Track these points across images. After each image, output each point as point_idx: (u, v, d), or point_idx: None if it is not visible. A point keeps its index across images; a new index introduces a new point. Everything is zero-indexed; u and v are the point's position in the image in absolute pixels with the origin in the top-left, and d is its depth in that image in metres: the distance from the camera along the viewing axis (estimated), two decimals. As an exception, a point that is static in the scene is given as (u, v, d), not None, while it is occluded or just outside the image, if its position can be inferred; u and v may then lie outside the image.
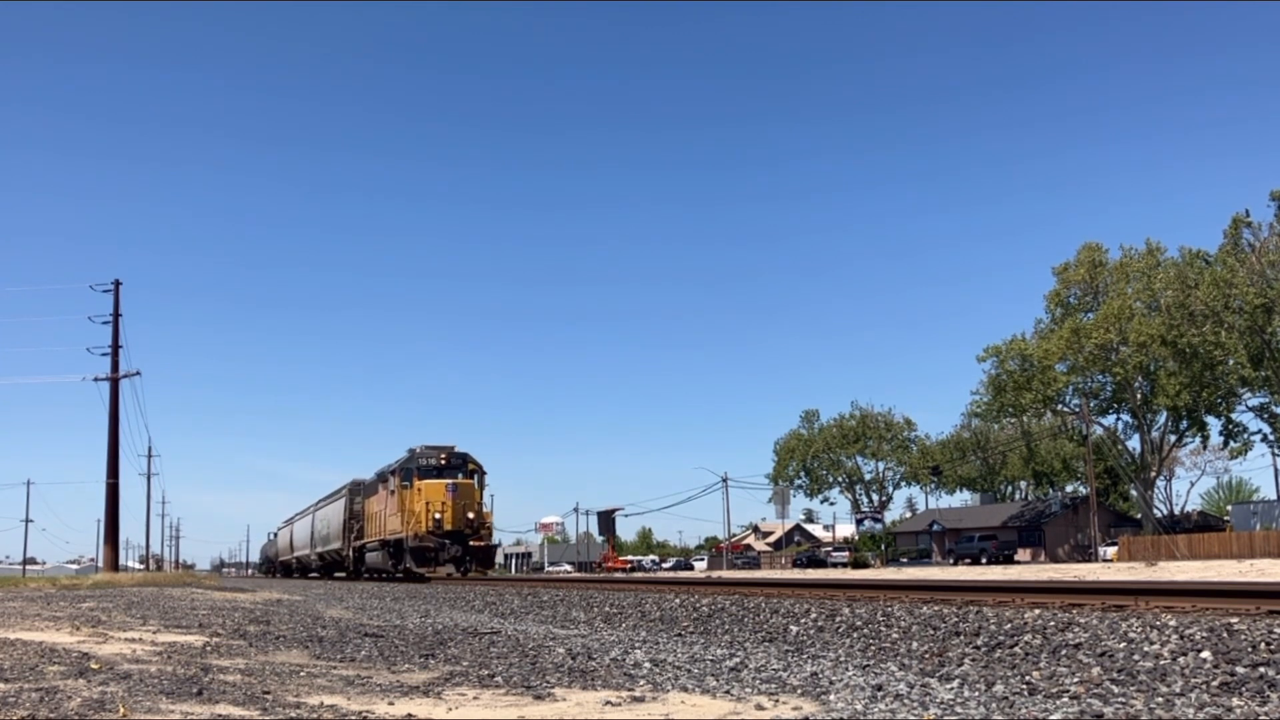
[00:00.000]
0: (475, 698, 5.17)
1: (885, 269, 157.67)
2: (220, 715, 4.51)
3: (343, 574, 45.29)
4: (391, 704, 4.88)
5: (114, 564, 42.61)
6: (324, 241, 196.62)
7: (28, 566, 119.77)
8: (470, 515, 29.64)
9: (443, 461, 30.82)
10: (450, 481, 29.99)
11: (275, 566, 70.04)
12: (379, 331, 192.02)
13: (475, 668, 6.40)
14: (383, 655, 7.24)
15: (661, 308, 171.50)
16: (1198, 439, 65.21)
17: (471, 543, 29.40)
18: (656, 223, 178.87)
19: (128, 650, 7.59)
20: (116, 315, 41.80)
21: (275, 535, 72.28)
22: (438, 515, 29.01)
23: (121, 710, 4.54)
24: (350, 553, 39.56)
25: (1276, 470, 56.20)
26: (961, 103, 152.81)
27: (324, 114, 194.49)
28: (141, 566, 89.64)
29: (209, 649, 7.77)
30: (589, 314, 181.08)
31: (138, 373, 42.67)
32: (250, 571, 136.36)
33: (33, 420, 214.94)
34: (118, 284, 41.82)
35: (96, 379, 41.80)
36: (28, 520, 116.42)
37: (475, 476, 31.15)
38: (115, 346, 41.69)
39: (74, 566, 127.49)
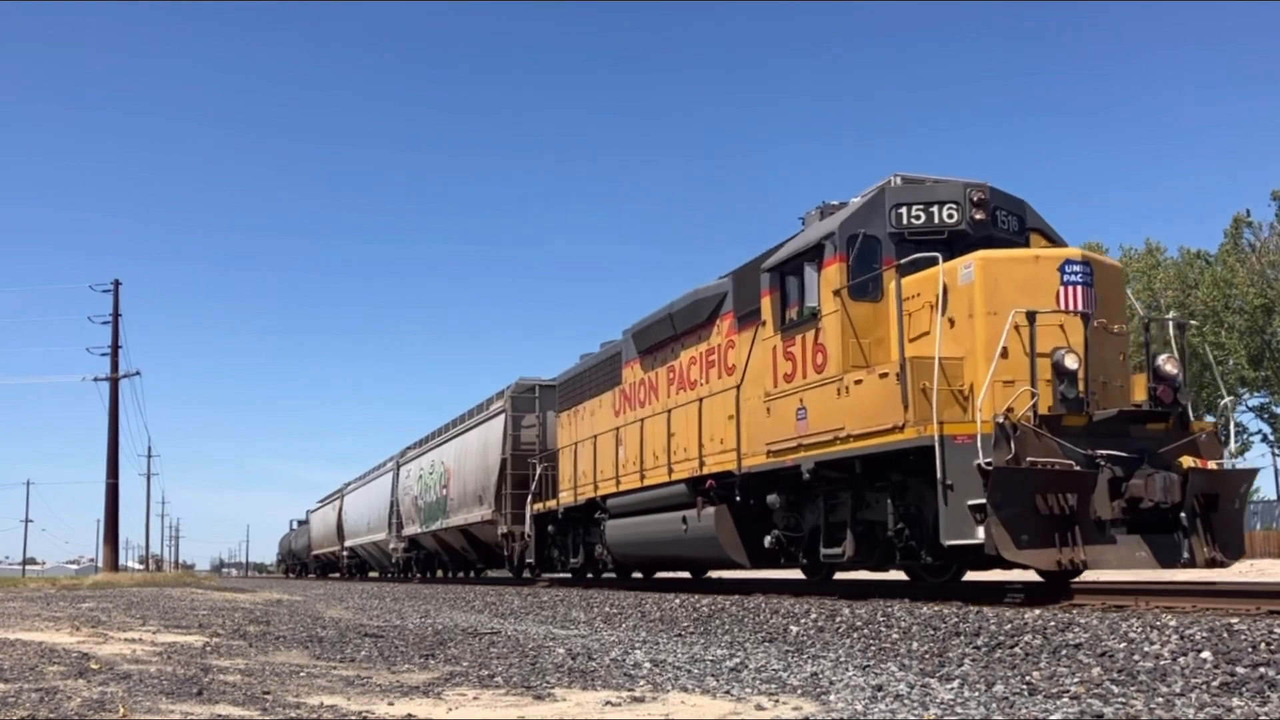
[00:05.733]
0: (475, 698, 5.17)
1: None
2: (220, 715, 4.51)
3: (459, 572, 28.19)
4: (391, 704, 4.88)
5: (114, 564, 42.58)
6: (324, 241, 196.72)
7: (27, 567, 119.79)
8: (1170, 367, 9.94)
9: (976, 216, 10.55)
10: (1079, 261, 9.58)
11: (306, 563, 53.31)
12: (379, 331, 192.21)
13: (475, 668, 6.40)
14: (383, 655, 7.24)
15: (654, 293, 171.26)
16: (1197, 439, 65.19)
17: (1186, 458, 9.22)
18: (647, 184, 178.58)
19: (127, 650, 7.60)
20: (116, 315, 41.79)
21: (308, 519, 53.75)
22: (1062, 353, 9.05)
23: (121, 710, 4.54)
24: (524, 527, 20.51)
25: (1276, 470, 56.20)
26: (962, 94, 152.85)
27: (325, 109, 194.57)
28: (141, 567, 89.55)
29: (209, 649, 7.77)
30: (584, 306, 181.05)
31: (137, 373, 42.68)
32: (251, 572, 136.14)
33: (33, 420, 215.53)
34: (117, 284, 41.83)
35: (96, 379, 41.79)
36: (27, 520, 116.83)
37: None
38: (115, 346, 41.68)
39: (74, 567, 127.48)
